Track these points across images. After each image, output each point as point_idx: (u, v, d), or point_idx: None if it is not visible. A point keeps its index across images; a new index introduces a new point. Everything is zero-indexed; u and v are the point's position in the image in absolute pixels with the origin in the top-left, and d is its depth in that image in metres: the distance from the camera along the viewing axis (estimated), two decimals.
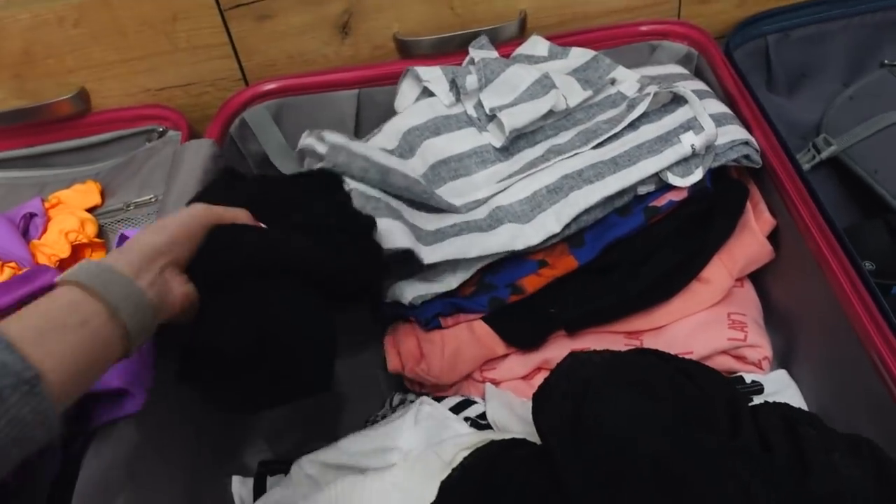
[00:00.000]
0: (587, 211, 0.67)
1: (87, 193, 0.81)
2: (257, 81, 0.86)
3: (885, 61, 0.92)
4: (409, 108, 0.79)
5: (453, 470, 0.56)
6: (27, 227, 0.76)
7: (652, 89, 0.70)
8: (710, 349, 0.69)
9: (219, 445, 0.68)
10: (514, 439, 0.59)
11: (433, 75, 0.79)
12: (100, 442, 0.54)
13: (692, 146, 0.67)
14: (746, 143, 0.71)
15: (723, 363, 0.69)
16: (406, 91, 0.83)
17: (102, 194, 0.83)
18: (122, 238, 0.66)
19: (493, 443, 0.58)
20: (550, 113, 0.73)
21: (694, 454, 0.52)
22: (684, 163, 0.68)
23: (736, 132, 0.71)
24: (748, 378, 0.69)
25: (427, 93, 0.80)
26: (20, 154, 0.88)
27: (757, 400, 0.66)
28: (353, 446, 0.64)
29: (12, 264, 0.68)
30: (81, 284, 0.45)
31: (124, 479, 0.54)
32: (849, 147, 0.85)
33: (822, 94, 0.93)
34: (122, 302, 0.45)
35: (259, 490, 0.66)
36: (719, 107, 0.75)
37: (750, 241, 0.71)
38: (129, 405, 0.56)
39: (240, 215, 0.57)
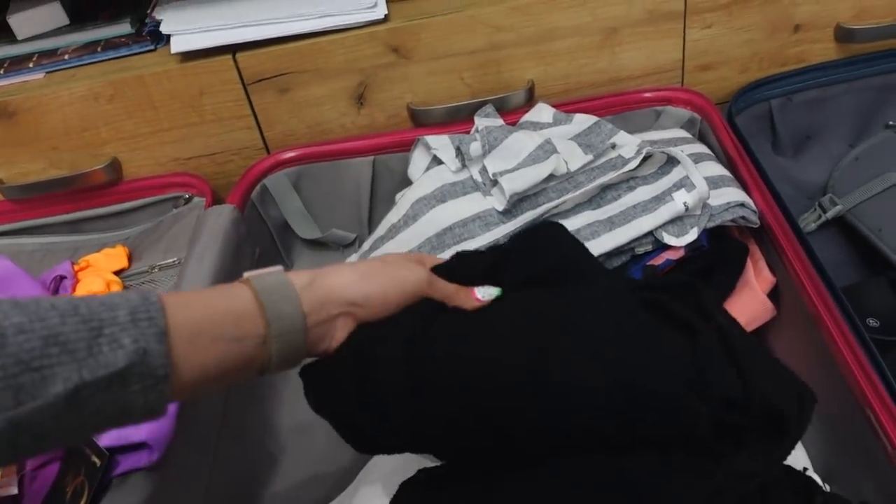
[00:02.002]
0: None
1: (115, 257, 0.86)
2: (278, 150, 0.90)
3: (890, 122, 0.94)
4: (420, 179, 0.83)
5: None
6: (57, 289, 0.81)
7: (646, 150, 0.73)
8: None
9: (230, 498, 0.70)
10: None
11: (441, 143, 0.83)
12: (115, 492, 0.57)
13: (684, 203, 0.69)
14: (742, 204, 0.73)
15: None
16: (417, 159, 0.87)
17: (130, 258, 0.88)
18: None
19: None
20: (552, 176, 0.75)
21: None
22: (679, 222, 0.70)
23: (732, 193, 0.73)
24: None
25: (437, 161, 0.84)
26: (56, 220, 0.94)
27: None
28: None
29: None
30: (255, 292, 0.45)
31: None
32: (854, 206, 0.86)
33: (828, 155, 0.95)
34: (281, 335, 0.45)
35: None
36: (718, 169, 0.77)
37: (750, 299, 0.72)
38: (146, 458, 0.58)
39: (459, 296, 0.54)
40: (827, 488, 0.60)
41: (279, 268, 0.48)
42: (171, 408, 0.60)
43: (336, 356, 0.51)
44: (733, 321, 0.56)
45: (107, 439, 0.57)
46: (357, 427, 0.52)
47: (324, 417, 0.53)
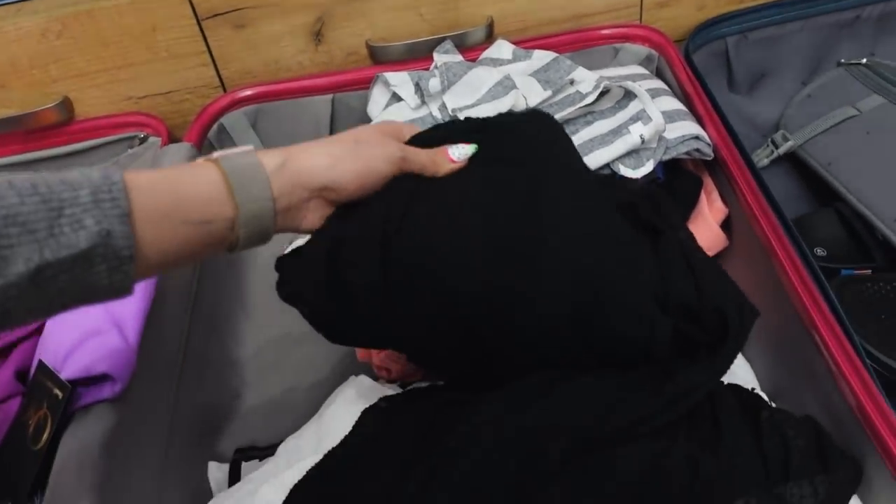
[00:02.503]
0: None
1: None
2: (235, 88, 0.89)
3: (842, 60, 0.96)
4: (379, 116, 0.83)
5: None
6: None
7: (604, 84, 0.73)
8: None
9: (194, 432, 0.71)
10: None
11: (400, 80, 0.83)
12: (78, 423, 0.57)
13: (641, 136, 0.70)
14: (697, 137, 0.74)
15: None
16: (377, 97, 0.86)
17: None
18: None
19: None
20: (510, 112, 0.76)
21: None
22: (636, 155, 0.71)
23: (688, 127, 0.75)
24: None
25: (396, 97, 0.84)
26: (7, 161, 0.91)
27: None
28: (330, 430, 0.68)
29: None
30: (224, 175, 0.44)
31: (98, 459, 0.56)
32: (805, 142, 0.88)
33: (781, 92, 0.97)
34: (250, 219, 0.45)
35: (234, 475, 0.69)
36: (674, 104, 0.78)
37: (704, 229, 0.74)
38: (109, 390, 0.59)
39: (435, 162, 0.54)
40: (773, 405, 0.63)
41: (250, 147, 0.47)
42: (133, 340, 0.60)
43: (310, 246, 0.51)
44: (689, 233, 0.58)
45: (69, 372, 0.57)
46: (329, 318, 0.53)
47: (296, 307, 0.53)
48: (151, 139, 0.89)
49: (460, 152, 0.55)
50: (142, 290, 0.62)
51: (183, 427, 0.68)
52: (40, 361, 0.58)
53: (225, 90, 0.91)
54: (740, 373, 0.70)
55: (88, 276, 0.38)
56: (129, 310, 0.61)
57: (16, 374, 0.61)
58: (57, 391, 0.57)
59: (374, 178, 0.51)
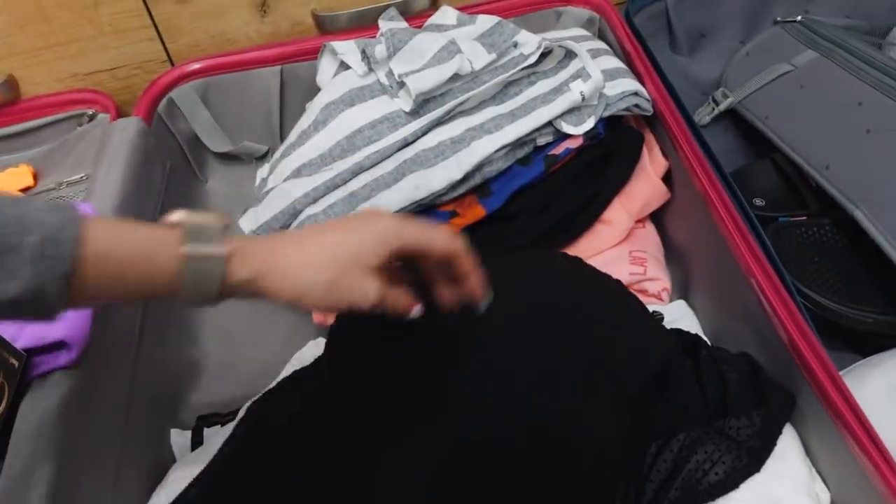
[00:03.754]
0: (490, 161, 0.72)
1: (20, 175, 0.84)
2: (182, 62, 0.89)
3: (778, 18, 0.99)
4: (328, 85, 0.83)
5: None
6: None
7: (545, 45, 0.75)
8: None
9: (154, 400, 0.72)
10: None
11: (347, 48, 0.83)
12: (35, 392, 0.58)
13: (581, 93, 0.72)
14: (636, 93, 0.76)
15: None
16: (325, 66, 0.87)
17: (35, 177, 0.86)
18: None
19: None
20: (457, 76, 0.77)
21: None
22: (577, 112, 0.73)
23: (627, 84, 0.77)
24: (651, 308, 0.74)
25: (344, 66, 0.84)
26: None
27: None
28: None
29: None
30: (184, 268, 0.43)
31: (57, 427, 0.57)
32: (744, 98, 0.91)
33: (721, 52, 0.99)
34: (194, 301, 0.44)
35: (196, 440, 0.70)
36: (614, 62, 0.81)
37: (646, 184, 0.77)
38: (65, 357, 0.59)
39: (437, 241, 0.49)
40: (711, 345, 0.66)
41: (221, 250, 0.44)
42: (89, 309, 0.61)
43: None
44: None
45: (24, 340, 0.57)
46: None
47: None
48: (100, 116, 0.88)
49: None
50: None
51: (142, 395, 0.69)
52: None
53: (172, 64, 0.91)
54: (685, 322, 0.73)
55: (13, 313, 0.39)
56: None
57: None
58: (13, 360, 0.57)
59: (346, 307, 0.47)
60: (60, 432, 0.57)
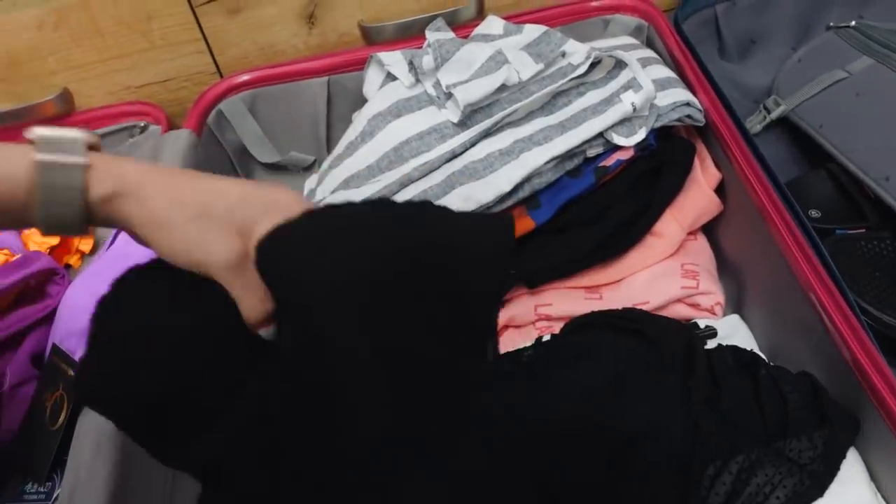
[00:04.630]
0: (539, 173, 0.71)
1: None
2: (231, 74, 0.90)
3: (831, 24, 0.96)
4: (375, 96, 0.84)
5: None
6: None
7: (595, 55, 0.74)
8: (665, 298, 0.73)
9: None
10: None
11: (394, 59, 0.84)
12: None
13: (632, 104, 0.72)
14: (688, 103, 0.75)
15: (678, 311, 0.74)
16: (372, 77, 0.87)
17: None
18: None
19: None
20: (504, 87, 0.77)
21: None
22: (628, 123, 0.73)
23: (679, 94, 0.76)
24: (702, 323, 0.73)
25: (391, 77, 0.85)
26: None
27: (711, 343, 0.70)
28: None
29: (5, 251, 0.72)
30: (35, 182, 0.39)
31: (115, 438, 0.57)
32: (797, 106, 0.89)
33: (772, 58, 0.97)
34: (49, 226, 0.40)
35: None
36: (665, 72, 0.79)
37: (698, 195, 0.75)
38: None
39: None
40: (771, 364, 0.64)
41: (82, 160, 0.39)
42: None
43: None
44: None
45: (83, 353, 0.58)
46: None
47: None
48: (152, 128, 0.90)
49: None
50: None
51: None
52: (54, 345, 0.59)
53: (221, 76, 0.92)
54: (739, 337, 0.72)
55: None
56: None
57: (31, 358, 0.62)
58: (72, 372, 0.58)
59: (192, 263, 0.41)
60: (119, 445, 0.58)
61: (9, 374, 0.61)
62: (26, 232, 0.78)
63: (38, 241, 0.77)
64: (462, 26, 0.90)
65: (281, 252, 0.42)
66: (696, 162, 0.76)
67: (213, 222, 0.41)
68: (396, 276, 0.42)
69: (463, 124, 0.78)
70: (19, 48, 0.86)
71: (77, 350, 0.58)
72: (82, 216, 0.40)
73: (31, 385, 0.61)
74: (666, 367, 0.60)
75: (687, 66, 0.80)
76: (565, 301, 0.73)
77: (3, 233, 0.75)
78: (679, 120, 0.75)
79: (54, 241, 0.77)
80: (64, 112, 0.90)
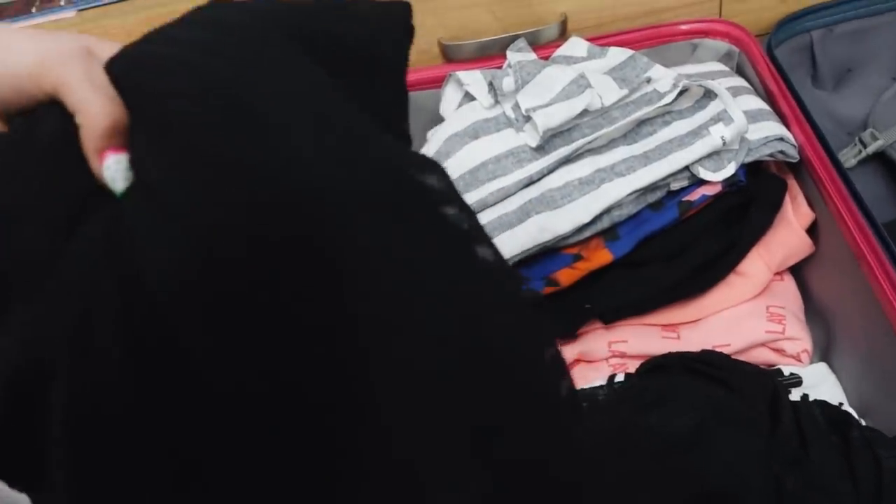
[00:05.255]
0: (619, 205, 0.69)
1: None
2: None
3: None
4: (452, 116, 0.82)
5: None
6: None
7: (682, 84, 0.71)
8: (747, 342, 0.69)
9: None
10: None
11: (473, 79, 0.82)
12: None
13: (722, 137, 0.68)
14: (781, 138, 0.71)
15: (761, 356, 0.70)
16: (449, 96, 0.86)
17: None
18: None
19: None
20: (586, 112, 0.74)
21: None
22: (716, 157, 0.69)
23: (771, 128, 0.72)
24: (787, 370, 0.69)
25: (469, 97, 0.83)
26: None
27: (795, 392, 0.66)
28: None
29: None
30: None
31: None
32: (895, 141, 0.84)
33: (869, 88, 0.92)
34: None
35: None
36: (756, 103, 0.76)
37: (788, 235, 0.72)
38: None
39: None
40: (863, 423, 0.61)
41: None
42: None
43: None
44: None
45: None
46: None
47: None
48: None
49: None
50: None
51: None
52: None
53: None
54: (826, 387, 0.68)
55: None
56: None
57: None
58: None
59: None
60: None
61: None
62: None
63: None
64: (544, 47, 0.87)
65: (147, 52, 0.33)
66: (787, 199, 0.73)
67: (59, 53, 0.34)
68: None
69: (541, 149, 0.76)
70: None
71: None
72: None
73: None
74: (749, 418, 0.57)
75: (781, 97, 0.77)
76: (641, 338, 0.71)
77: None
78: (771, 155, 0.71)
79: None
80: None
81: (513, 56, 0.85)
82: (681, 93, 0.73)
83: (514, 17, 0.88)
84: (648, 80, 0.79)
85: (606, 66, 0.82)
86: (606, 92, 0.77)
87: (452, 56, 0.89)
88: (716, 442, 0.53)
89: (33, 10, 0.90)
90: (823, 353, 0.72)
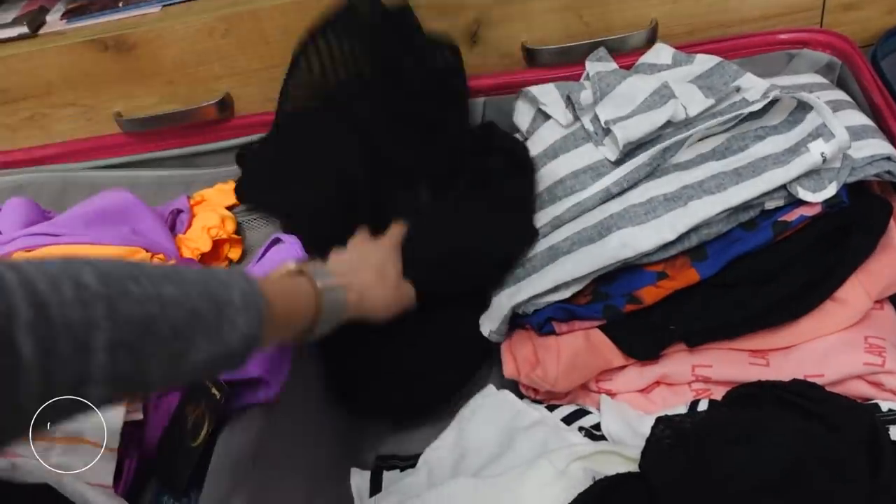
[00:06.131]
0: (708, 224, 0.65)
1: (228, 193, 0.87)
2: None
3: None
4: (532, 138, 0.81)
5: None
6: (174, 223, 0.82)
7: (774, 94, 0.67)
8: (843, 373, 0.65)
9: (342, 439, 0.71)
10: (624, 475, 0.58)
11: (549, 98, 0.80)
12: (233, 425, 0.58)
13: (822, 154, 0.64)
14: (889, 157, 0.67)
15: (857, 389, 0.66)
16: (522, 109, 0.84)
17: None
18: (275, 240, 0.70)
19: (601, 481, 0.58)
20: (669, 123, 0.71)
21: None
22: (816, 176, 0.65)
23: (878, 146, 0.68)
24: (884, 406, 0.65)
25: (543, 114, 0.81)
26: (170, 154, 0.95)
27: (893, 430, 0.62)
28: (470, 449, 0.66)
29: (160, 256, 0.74)
30: (319, 306, 0.55)
31: (253, 462, 0.57)
32: None
33: None
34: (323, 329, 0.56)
35: (375, 483, 0.69)
36: (860, 118, 0.72)
37: (892, 261, 0.67)
38: (263, 394, 0.59)
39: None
40: None
41: (338, 279, 0.58)
42: (289, 347, 0.61)
43: None
44: None
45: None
46: None
47: None
48: None
49: None
50: None
51: (329, 432, 0.69)
52: None
53: None
54: None
55: (224, 367, 0.45)
56: None
57: None
58: (215, 391, 0.58)
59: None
60: (255, 467, 0.57)
61: None
62: (181, 236, 0.80)
63: (191, 246, 0.78)
64: (629, 54, 0.84)
65: None
66: (892, 223, 0.68)
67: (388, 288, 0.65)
68: None
69: (621, 163, 0.73)
70: (188, 52, 0.88)
71: None
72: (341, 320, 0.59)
73: (173, 397, 0.62)
74: (848, 460, 0.53)
75: (888, 111, 0.72)
76: (727, 364, 0.67)
77: (159, 236, 0.76)
78: (876, 175, 0.67)
79: (206, 247, 0.78)
80: (224, 117, 0.92)
81: (591, 66, 0.82)
82: (771, 103, 0.69)
83: (602, 22, 0.85)
84: (738, 90, 0.75)
85: (692, 74, 0.79)
86: (691, 102, 0.73)
87: (535, 60, 0.87)
88: (813, 486, 0.50)
89: (120, 4, 0.91)
90: None
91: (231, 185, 0.89)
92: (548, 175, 0.75)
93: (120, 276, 0.38)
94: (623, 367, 0.69)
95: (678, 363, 0.68)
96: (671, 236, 0.66)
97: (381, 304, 0.62)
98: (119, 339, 0.36)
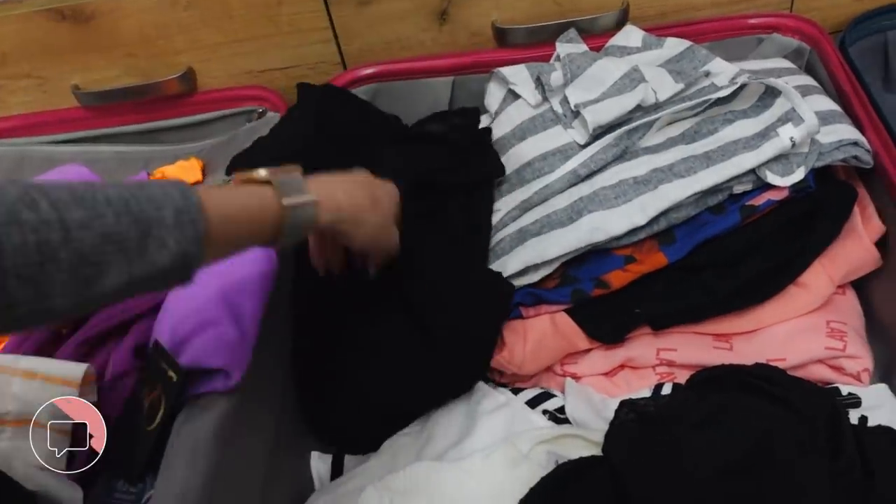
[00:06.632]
0: (677, 207, 0.65)
1: (190, 169, 0.85)
2: (355, 66, 0.87)
3: None
4: (499, 119, 0.79)
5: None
6: None
7: (742, 79, 0.67)
8: (805, 357, 0.66)
9: (300, 424, 0.70)
10: (587, 458, 0.58)
11: (519, 77, 0.79)
12: (190, 411, 0.57)
13: (791, 139, 0.64)
14: (856, 143, 0.67)
15: (818, 373, 0.66)
16: (493, 90, 0.83)
17: (203, 170, 0.86)
18: None
19: (565, 464, 0.57)
20: (639, 107, 0.71)
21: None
22: (785, 160, 0.65)
23: (845, 131, 0.68)
24: (844, 390, 0.65)
25: (513, 94, 0.80)
26: (130, 130, 0.92)
27: (853, 413, 0.63)
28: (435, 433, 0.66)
29: None
30: (282, 220, 0.51)
31: (212, 448, 0.56)
32: None
33: None
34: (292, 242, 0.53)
35: (337, 467, 0.68)
36: (828, 104, 0.72)
37: (855, 247, 0.68)
38: (223, 383, 0.58)
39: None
40: None
41: (312, 197, 0.52)
42: (251, 334, 0.60)
43: None
44: None
45: (184, 359, 0.57)
46: None
47: None
48: (270, 114, 0.88)
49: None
50: (262, 285, 0.62)
51: (289, 418, 0.68)
52: (156, 342, 0.58)
53: (345, 67, 0.89)
54: (886, 408, 0.64)
55: (159, 285, 0.44)
56: (249, 305, 0.60)
57: (134, 349, 0.61)
58: (172, 374, 0.56)
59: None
60: (214, 453, 0.56)
61: (111, 365, 0.60)
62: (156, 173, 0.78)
63: None
64: (599, 35, 0.84)
65: None
66: (856, 209, 0.68)
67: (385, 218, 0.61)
68: None
69: (588, 146, 0.72)
70: (149, 24, 0.85)
71: (180, 354, 0.56)
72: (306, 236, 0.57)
73: (131, 377, 0.60)
74: (809, 441, 0.53)
75: (855, 98, 0.72)
76: (691, 348, 0.67)
77: None
78: (843, 160, 0.67)
79: None
80: (186, 91, 0.89)
81: (562, 48, 0.81)
82: (740, 88, 0.69)
83: (572, 2, 0.84)
84: (707, 74, 0.75)
85: (662, 58, 0.78)
86: (661, 86, 0.73)
87: (505, 40, 0.86)
88: (775, 467, 0.50)
89: None
90: (885, 373, 0.68)
91: (193, 162, 0.87)
92: (515, 157, 0.74)
93: (13, 202, 0.37)
94: (588, 351, 0.69)
95: (643, 347, 0.68)
96: (642, 220, 0.65)
97: (369, 230, 0.57)
98: (7, 266, 0.36)
